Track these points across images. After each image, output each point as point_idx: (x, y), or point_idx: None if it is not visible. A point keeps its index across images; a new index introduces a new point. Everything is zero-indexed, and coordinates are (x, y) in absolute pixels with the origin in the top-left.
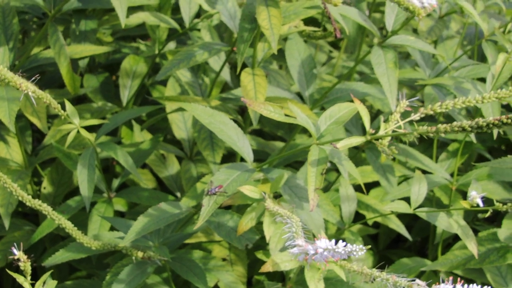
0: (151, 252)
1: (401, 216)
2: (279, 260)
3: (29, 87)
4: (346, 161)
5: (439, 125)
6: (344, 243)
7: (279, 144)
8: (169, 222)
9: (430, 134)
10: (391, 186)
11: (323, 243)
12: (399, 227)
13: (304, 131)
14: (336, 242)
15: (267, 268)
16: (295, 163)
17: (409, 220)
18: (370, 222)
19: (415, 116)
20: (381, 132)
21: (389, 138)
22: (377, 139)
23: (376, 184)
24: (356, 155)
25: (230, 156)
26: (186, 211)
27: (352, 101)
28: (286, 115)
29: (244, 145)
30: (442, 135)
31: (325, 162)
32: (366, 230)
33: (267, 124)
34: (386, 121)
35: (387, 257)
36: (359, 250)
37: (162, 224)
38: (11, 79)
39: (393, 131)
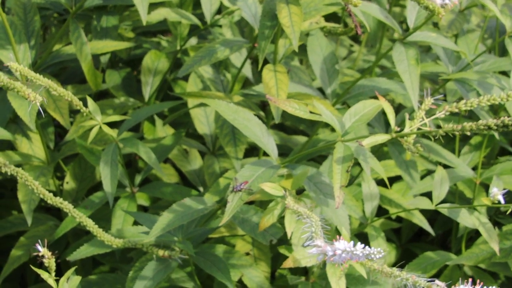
0: (174, 247)
1: (424, 210)
2: (300, 256)
3: (37, 97)
4: (371, 158)
5: (465, 124)
6: (363, 245)
7: (301, 139)
8: (194, 217)
9: (456, 132)
10: (414, 181)
11: (342, 244)
12: (422, 222)
13: (327, 125)
14: (355, 244)
15: (288, 264)
16: (319, 157)
17: (432, 213)
18: (393, 216)
19: (440, 114)
20: (407, 130)
21: (414, 135)
22: (402, 137)
23: (398, 177)
24: (379, 149)
25: (251, 150)
26: (211, 207)
27: (375, 96)
28: (310, 112)
29: (268, 141)
30: (468, 133)
31: (350, 159)
32: (389, 224)
33: (289, 118)
34: (411, 118)
35: (410, 250)
36: (377, 253)
37: (187, 220)
38: (20, 88)
39: (418, 128)
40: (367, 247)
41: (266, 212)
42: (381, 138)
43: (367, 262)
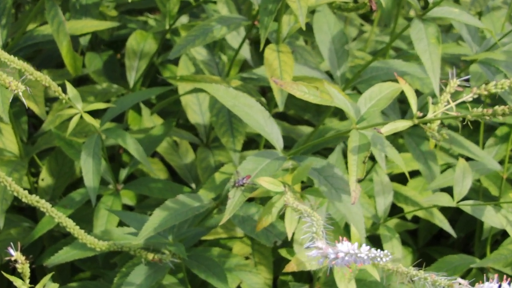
0: (165, 250)
1: (444, 209)
2: (305, 258)
3: (19, 86)
4: (390, 148)
5: (496, 107)
6: (368, 247)
7: (306, 129)
8: (188, 216)
9: (486, 118)
10: (433, 176)
11: (345, 246)
12: (442, 222)
13: (335, 114)
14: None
15: (291, 267)
16: (324, 150)
17: (452, 213)
18: (409, 216)
19: (468, 97)
20: (430, 115)
21: (438, 122)
22: (425, 123)
23: (415, 173)
24: (393, 141)
25: (249, 143)
26: (208, 204)
27: (389, 81)
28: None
29: (272, 130)
30: (500, 118)
31: (367, 149)
32: (404, 225)
33: (292, 107)
34: (434, 103)
35: (428, 254)
36: (384, 255)
37: (181, 219)
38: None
39: (443, 114)
40: (372, 249)
41: (264, 210)
42: (402, 124)
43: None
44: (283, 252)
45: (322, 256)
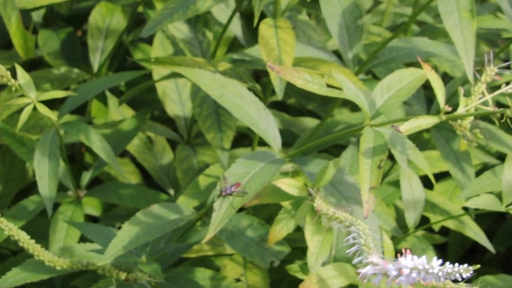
0: (137, 271)
1: (479, 219)
2: (324, 275)
3: None
4: (412, 150)
5: None
6: (441, 260)
7: (310, 122)
8: (165, 231)
9: None
10: (467, 179)
11: (410, 261)
12: (477, 235)
13: (345, 102)
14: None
15: (307, 287)
16: (333, 147)
17: (490, 223)
18: (436, 227)
19: (507, 88)
20: (461, 110)
21: (472, 118)
22: (454, 120)
23: (443, 175)
24: (417, 136)
25: (240, 139)
26: (189, 216)
27: (411, 63)
28: (327, 85)
29: (268, 125)
30: None
31: (383, 151)
32: (430, 238)
33: (293, 94)
34: (467, 94)
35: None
36: (465, 271)
37: (156, 235)
38: None
39: (476, 108)
40: (447, 263)
41: (277, 220)
42: (426, 121)
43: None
44: (292, 270)
45: (380, 273)
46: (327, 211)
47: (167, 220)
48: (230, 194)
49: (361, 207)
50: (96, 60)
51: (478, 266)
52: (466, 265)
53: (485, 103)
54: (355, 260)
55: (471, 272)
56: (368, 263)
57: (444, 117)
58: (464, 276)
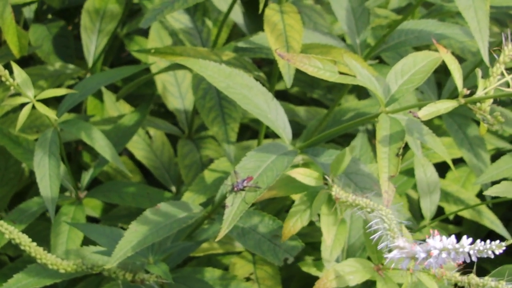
0: (143, 272)
1: (494, 206)
2: (340, 272)
3: None
4: (430, 136)
5: None
6: (471, 239)
7: (315, 111)
8: (173, 230)
9: None
10: (483, 165)
11: (438, 241)
12: (494, 223)
13: (352, 90)
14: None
15: (324, 284)
16: (340, 137)
17: (504, 211)
18: (450, 217)
19: None
20: (480, 93)
21: (491, 101)
22: (473, 103)
23: (455, 162)
24: (428, 123)
25: (243, 131)
26: (197, 214)
27: (421, 47)
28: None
29: (277, 116)
30: None
31: (400, 138)
32: (444, 228)
33: (296, 83)
34: (485, 76)
35: (476, 264)
36: (497, 247)
37: (164, 234)
38: None
39: (496, 90)
40: (478, 241)
41: (291, 214)
42: (445, 106)
43: (444, 272)
44: (304, 267)
45: (407, 257)
46: (347, 198)
47: (176, 219)
48: (242, 189)
49: (378, 197)
50: (90, 54)
51: (511, 241)
52: (498, 241)
53: (504, 85)
54: (380, 246)
55: (504, 248)
56: (395, 247)
57: (463, 101)
58: (497, 252)
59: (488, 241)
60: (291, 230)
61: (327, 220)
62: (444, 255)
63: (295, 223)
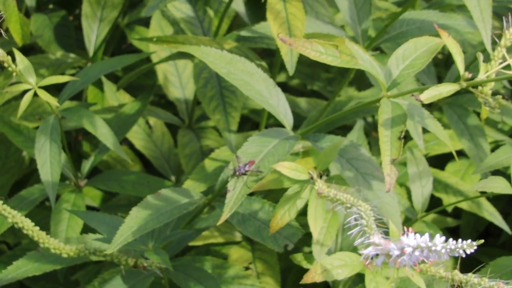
0: (143, 259)
1: (496, 200)
2: (329, 265)
3: None
4: (431, 120)
5: None
6: (444, 238)
7: (315, 103)
8: (174, 216)
9: None
10: (482, 155)
11: (412, 239)
12: (493, 215)
13: (351, 82)
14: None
15: (312, 277)
16: (339, 129)
17: (504, 204)
18: (449, 209)
19: None
20: (482, 76)
21: (492, 84)
22: (475, 87)
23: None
24: None
25: (244, 123)
26: (198, 200)
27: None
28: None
29: (279, 102)
30: None
31: (402, 121)
32: (442, 221)
33: (296, 75)
34: (486, 61)
35: (474, 258)
36: (468, 246)
37: (165, 220)
38: None
39: (497, 74)
40: (450, 239)
41: (280, 205)
42: (447, 89)
43: (429, 268)
44: (296, 258)
45: (382, 253)
46: (328, 193)
47: (177, 205)
48: (244, 174)
49: (380, 182)
50: (91, 44)
51: (482, 241)
52: (469, 240)
53: (505, 69)
54: (357, 241)
55: (475, 247)
56: (370, 243)
57: (464, 84)
58: (468, 252)
59: (459, 240)
60: (279, 222)
61: (314, 213)
62: (417, 253)
63: (283, 215)
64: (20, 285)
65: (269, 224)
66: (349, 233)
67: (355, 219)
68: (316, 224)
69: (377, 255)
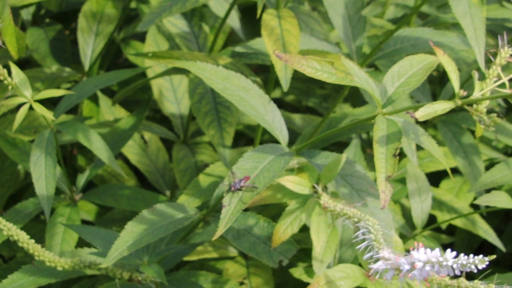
0: (138, 273)
1: (487, 218)
2: (332, 277)
3: None
4: (426, 137)
5: None
6: (455, 253)
7: (310, 119)
8: (169, 231)
9: None
10: (477, 173)
11: (422, 254)
12: (487, 233)
13: (346, 99)
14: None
15: None
16: (333, 145)
17: (497, 222)
18: (443, 226)
19: None
20: (476, 95)
21: (487, 102)
22: (470, 105)
23: (447, 173)
24: None
25: (238, 138)
26: (193, 215)
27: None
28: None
29: (274, 119)
30: None
31: (397, 138)
32: (437, 237)
33: (291, 91)
34: (481, 79)
35: (468, 274)
36: (480, 262)
37: (160, 234)
38: None
39: (492, 92)
40: (462, 255)
41: (282, 219)
42: (442, 107)
43: (434, 276)
44: (296, 272)
45: (392, 268)
46: (335, 207)
47: (172, 220)
48: (240, 189)
49: (374, 199)
50: (87, 58)
51: (494, 256)
52: (481, 256)
53: (500, 87)
54: (366, 256)
55: (487, 263)
56: (380, 258)
57: (459, 102)
58: (480, 267)
59: (471, 255)
60: (281, 236)
61: (317, 228)
62: (428, 267)
63: (285, 229)
64: None
65: (271, 238)
66: (357, 247)
67: (363, 234)
68: (319, 239)
69: (386, 269)
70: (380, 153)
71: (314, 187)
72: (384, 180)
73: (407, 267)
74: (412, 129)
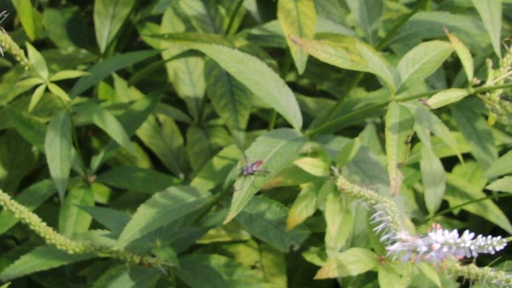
0: (150, 256)
1: (499, 203)
2: (343, 261)
3: None
4: (439, 125)
5: None
6: (473, 234)
7: (325, 103)
8: (181, 214)
9: None
10: (490, 159)
11: (440, 235)
12: (499, 218)
13: (361, 83)
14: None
15: (326, 273)
16: (347, 129)
17: (510, 207)
18: (455, 211)
19: None
20: (490, 83)
21: (500, 91)
22: (483, 93)
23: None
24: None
25: (252, 122)
26: (206, 199)
27: (433, 38)
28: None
29: (289, 103)
30: None
31: (410, 126)
32: (449, 223)
33: (306, 74)
34: (495, 67)
35: (479, 260)
36: (498, 243)
37: (172, 218)
38: None
39: (506, 80)
40: (480, 236)
41: (297, 202)
42: (455, 94)
43: (445, 262)
44: (308, 256)
45: (409, 250)
46: (352, 189)
47: (184, 203)
48: (252, 173)
49: (386, 185)
50: (103, 40)
51: None
52: (499, 237)
53: None
54: (383, 238)
55: (505, 244)
56: (397, 240)
57: (472, 90)
58: (497, 249)
59: (489, 236)
60: (296, 219)
61: (332, 210)
62: (445, 249)
63: (300, 212)
64: (28, 280)
65: (283, 222)
66: (374, 229)
67: (380, 216)
68: (334, 221)
69: (403, 251)
70: (392, 140)
71: (330, 169)
72: (395, 167)
73: (424, 248)
74: (426, 116)
